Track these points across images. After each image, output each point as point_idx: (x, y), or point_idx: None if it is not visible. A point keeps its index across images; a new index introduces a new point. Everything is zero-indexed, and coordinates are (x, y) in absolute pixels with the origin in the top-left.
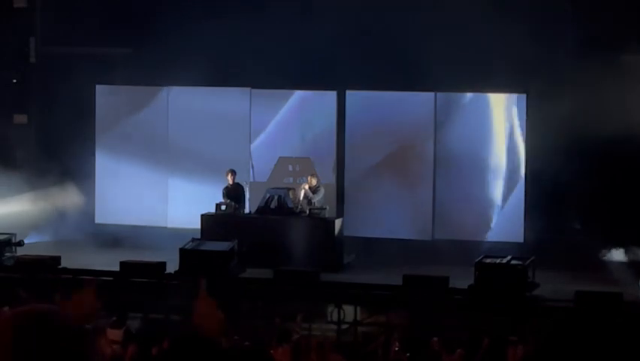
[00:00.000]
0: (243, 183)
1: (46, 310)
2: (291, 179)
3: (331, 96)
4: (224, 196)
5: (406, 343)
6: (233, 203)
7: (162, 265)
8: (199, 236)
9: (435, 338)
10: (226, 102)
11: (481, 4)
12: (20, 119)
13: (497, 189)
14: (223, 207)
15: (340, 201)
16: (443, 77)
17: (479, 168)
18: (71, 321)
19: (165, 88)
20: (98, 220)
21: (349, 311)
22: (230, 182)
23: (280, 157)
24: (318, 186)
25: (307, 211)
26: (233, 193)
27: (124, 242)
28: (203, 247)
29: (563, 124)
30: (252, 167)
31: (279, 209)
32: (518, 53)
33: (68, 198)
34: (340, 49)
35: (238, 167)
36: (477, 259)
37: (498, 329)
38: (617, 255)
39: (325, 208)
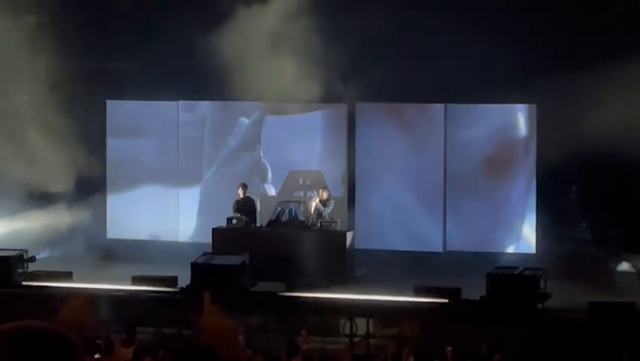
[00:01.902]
0: (254, 197)
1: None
2: (302, 192)
3: (342, 109)
4: (235, 210)
5: (418, 356)
6: (244, 217)
7: (174, 279)
8: (210, 250)
9: (449, 348)
10: (236, 116)
11: (491, 16)
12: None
13: (508, 200)
14: (234, 221)
15: (351, 214)
16: (453, 88)
17: (490, 179)
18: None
19: (175, 102)
20: (109, 235)
21: (361, 324)
22: (241, 196)
23: (291, 170)
24: (329, 200)
25: (318, 224)
26: (244, 207)
27: (136, 257)
28: (214, 261)
29: (574, 134)
30: (263, 180)
31: (290, 222)
32: (528, 63)
33: (80, 213)
34: (351, 62)
35: (249, 180)
36: (489, 271)
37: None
38: (630, 265)
39: (336, 221)
